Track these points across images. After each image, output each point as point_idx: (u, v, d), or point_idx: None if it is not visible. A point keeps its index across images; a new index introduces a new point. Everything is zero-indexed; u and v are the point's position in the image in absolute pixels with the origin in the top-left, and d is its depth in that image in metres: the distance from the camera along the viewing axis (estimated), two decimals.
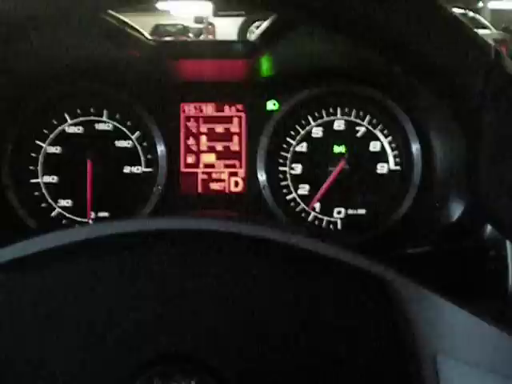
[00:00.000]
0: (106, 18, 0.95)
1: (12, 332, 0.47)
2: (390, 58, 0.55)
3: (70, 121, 1.18)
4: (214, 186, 1.22)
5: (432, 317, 0.48)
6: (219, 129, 1.22)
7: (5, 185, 1.15)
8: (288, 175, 1.21)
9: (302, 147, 1.21)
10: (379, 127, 1.20)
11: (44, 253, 0.50)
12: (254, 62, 1.11)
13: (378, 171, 1.20)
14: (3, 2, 0.48)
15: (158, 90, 1.19)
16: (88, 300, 0.48)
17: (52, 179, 1.19)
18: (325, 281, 0.49)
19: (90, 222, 1.19)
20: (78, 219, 1.19)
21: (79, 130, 1.19)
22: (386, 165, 1.20)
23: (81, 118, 1.19)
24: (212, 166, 1.22)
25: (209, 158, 1.22)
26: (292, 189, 1.21)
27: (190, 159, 1.21)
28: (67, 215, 1.19)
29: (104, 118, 1.19)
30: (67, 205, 1.19)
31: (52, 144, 1.18)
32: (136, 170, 1.20)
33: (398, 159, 1.20)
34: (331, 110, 1.21)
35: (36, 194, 1.18)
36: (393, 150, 1.20)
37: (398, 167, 1.20)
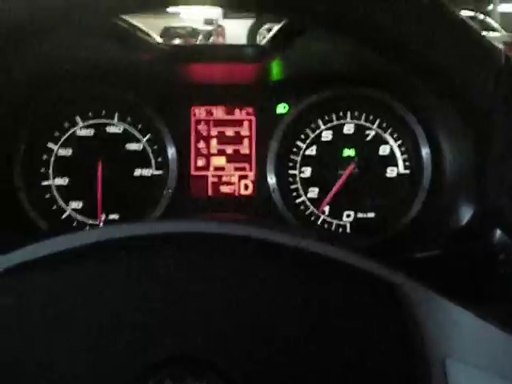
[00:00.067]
0: (117, 22, 0.95)
1: (21, 334, 0.47)
2: (396, 60, 0.55)
3: (81, 123, 1.19)
4: (224, 189, 1.22)
5: (441, 320, 0.48)
6: (229, 132, 1.22)
7: (16, 187, 1.16)
8: (298, 178, 1.22)
9: (312, 151, 1.21)
10: (389, 131, 1.20)
11: (53, 256, 0.50)
12: (264, 66, 1.12)
13: (388, 175, 1.20)
14: (17, 4, 0.49)
15: (168, 93, 1.19)
16: (97, 303, 0.48)
17: (63, 181, 1.19)
18: (334, 284, 0.49)
19: (101, 224, 1.20)
20: (89, 221, 1.20)
21: (90, 132, 1.19)
22: (395, 168, 1.20)
23: (92, 121, 1.19)
24: (222, 169, 1.23)
25: (219, 161, 1.22)
26: (302, 192, 1.22)
27: (200, 162, 1.22)
28: (78, 217, 1.20)
29: (115, 121, 1.20)
30: (78, 207, 1.20)
31: (63, 146, 1.19)
32: (146, 172, 1.20)
33: (407, 163, 1.20)
34: (341, 114, 1.21)
35: (47, 196, 1.19)
36: (402, 153, 1.20)
37: (407, 171, 1.20)
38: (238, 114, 1.22)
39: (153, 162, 1.20)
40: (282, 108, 1.20)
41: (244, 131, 1.22)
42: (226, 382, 0.45)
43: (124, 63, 1.11)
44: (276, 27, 1.05)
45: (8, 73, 0.98)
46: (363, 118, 1.21)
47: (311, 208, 1.21)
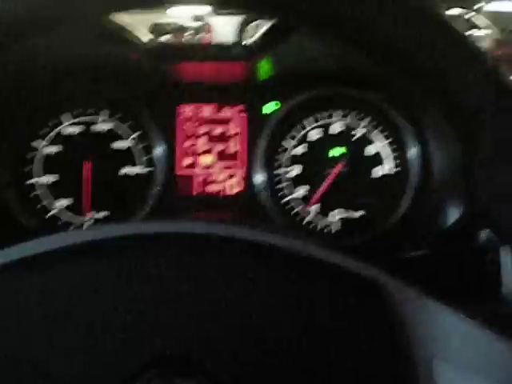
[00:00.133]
0: (104, 20, 0.95)
1: (12, 332, 0.47)
2: (382, 61, 0.55)
3: (68, 121, 1.18)
4: (212, 187, 1.22)
5: (427, 320, 0.48)
6: (217, 130, 1.22)
7: (2, 185, 1.15)
8: (286, 177, 1.21)
9: (300, 149, 1.21)
10: (377, 130, 1.20)
11: (46, 254, 0.50)
12: (252, 65, 1.11)
13: (376, 174, 1.20)
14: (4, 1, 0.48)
15: (156, 91, 1.19)
16: (84, 302, 0.48)
17: (50, 179, 1.18)
18: (318, 284, 0.49)
19: (88, 222, 1.19)
20: (76, 220, 1.19)
21: (77, 130, 1.19)
22: (383, 167, 1.20)
23: (79, 119, 1.19)
24: (210, 167, 1.22)
25: (207, 159, 1.22)
26: (289, 191, 1.21)
27: (188, 160, 1.21)
28: (65, 215, 1.19)
29: (102, 119, 1.19)
30: (66, 205, 1.19)
31: (50, 144, 1.18)
32: (134, 170, 1.20)
33: (395, 162, 1.20)
34: (329, 113, 1.21)
35: (34, 193, 1.18)
36: (390, 152, 1.20)
37: (395, 170, 1.20)
38: (226, 113, 1.21)
39: (141, 159, 1.20)
40: (270, 106, 1.20)
41: (232, 130, 1.21)
42: (214, 383, 0.45)
43: (111, 61, 1.10)
44: (264, 26, 1.05)
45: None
46: (351, 117, 1.21)
47: (299, 207, 1.21)
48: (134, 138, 1.19)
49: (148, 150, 1.19)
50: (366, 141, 1.21)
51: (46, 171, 1.18)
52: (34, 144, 1.17)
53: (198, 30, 1.45)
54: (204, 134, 1.22)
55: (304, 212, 1.21)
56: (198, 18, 1.58)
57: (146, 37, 1.10)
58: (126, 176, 1.20)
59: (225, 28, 1.51)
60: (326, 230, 1.22)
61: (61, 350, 0.46)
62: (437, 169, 1.13)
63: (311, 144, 1.21)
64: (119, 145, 1.19)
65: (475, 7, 1.85)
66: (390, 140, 1.20)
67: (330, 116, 1.21)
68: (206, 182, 1.22)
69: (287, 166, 1.21)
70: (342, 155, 1.20)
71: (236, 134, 1.22)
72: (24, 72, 1.10)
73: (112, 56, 1.07)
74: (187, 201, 1.21)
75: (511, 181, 0.49)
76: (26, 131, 1.17)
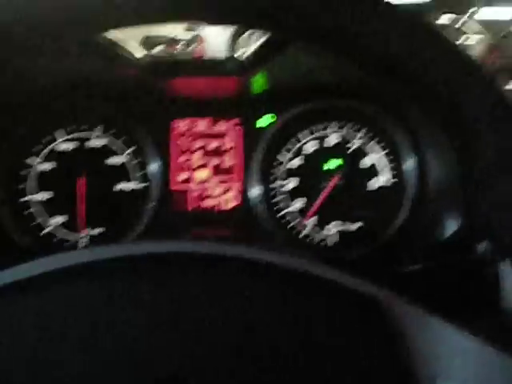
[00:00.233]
0: (94, 38, 0.94)
1: (6, 354, 0.46)
2: (373, 73, 0.55)
3: (62, 137, 1.17)
4: (208, 202, 1.21)
5: (429, 338, 0.48)
6: (212, 145, 1.21)
7: None
8: (282, 190, 1.21)
9: (296, 162, 1.21)
10: (373, 141, 1.20)
11: (40, 277, 0.49)
12: (246, 79, 1.11)
13: (372, 186, 1.20)
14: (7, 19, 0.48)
15: (150, 107, 1.18)
16: (78, 324, 0.47)
17: (44, 196, 1.17)
18: (317, 301, 0.49)
19: (83, 239, 1.18)
20: (71, 237, 1.18)
21: (71, 146, 1.18)
22: (379, 179, 1.20)
23: (73, 135, 1.18)
24: (205, 182, 1.22)
25: (202, 174, 1.21)
26: (286, 204, 1.21)
27: (184, 176, 1.21)
28: (59, 232, 1.18)
29: (96, 135, 1.18)
30: (60, 222, 1.18)
31: (44, 161, 1.17)
32: (129, 186, 1.19)
33: (392, 173, 1.20)
34: (324, 125, 1.21)
35: (28, 211, 1.17)
36: (387, 164, 1.19)
37: (392, 181, 1.20)
38: (221, 127, 1.21)
39: (135, 175, 1.19)
40: (265, 120, 1.19)
41: (227, 144, 1.21)
42: None
43: (105, 77, 1.09)
44: (257, 37, 1.04)
45: None
46: (347, 128, 1.20)
47: (296, 220, 1.21)
48: (128, 154, 1.18)
49: (142, 165, 1.19)
50: (362, 153, 1.20)
51: (41, 188, 1.17)
52: (28, 161, 1.16)
53: (189, 42, 1.45)
54: (199, 149, 1.21)
55: (301, 225, 1.21)
56: (189, 29, 1.57)
57: (137, 50, 1.10)
58: (120, 192, 1.19)
59: (217, 39, 1.51)
60: (323, 243, 1.21)
61: (55, 372, 0.46)
62: (434, 179, 1.12)
63: (307, 157, 1.21)
64: (114, 160, 1.18)
65: (468, 13, 1.86)
66: (386, 151, 1.19)
67: (326, 128, 1.21)
68: (201, 197, 1.21)
69: (283, 179, 1.21)
70: (338, 167, 1.19)
71: (231, 148, 1.21)
72: (17, 89, 1.09)
73: (105, 72, 1.07)
74: (183, 216, 1.20)
75: (510, 190, 0.48)
76: (19, 148, 1.16)
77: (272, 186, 1.21)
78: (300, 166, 1.21)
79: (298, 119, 1.20)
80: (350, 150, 1.20)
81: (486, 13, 1.84)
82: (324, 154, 1.20)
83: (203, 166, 1.22)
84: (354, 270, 0.51)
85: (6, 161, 1.15)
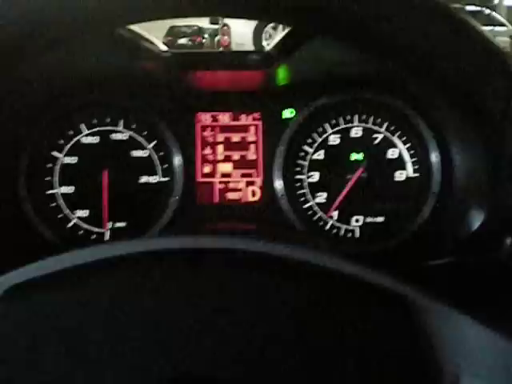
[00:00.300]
0: (119, 31, 0.94)
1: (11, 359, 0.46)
2: (400, 66, 0.54)
3: (86, 131, 1.18)
4: (231, 195, 1.21)
5: (454, 335, 0.47)
6: (235, 138, 1.21)
7: (21, 196, 1.15)
8: (305, 183, 1.20)
9: (320, 155, 1.20)
10: (397, 134, 1.19)
11: (59, 273, 0.49)
12: (269, 72, 1.11)
13: (397, 178, 1.19)
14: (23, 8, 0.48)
15: (173, 100, 1.18)
16: (95, 322, 0.47)
17: (68, 190, 1.18)
18: (343, 297, 0.48)
19: (107, 232, 1.19)
20: (95, 229, 1.19)
21: (95, 140, 1.19)
22: (404, 172, 1.19)
23: (97, 128, 1.19)
24: (229, 175, 1.22)
25: (225, 167, 1.21)
26: (309, 197, 1.20)
27: (207, 169, 1.21)
28: (84, 226, 1.19)
29: (120, 128, 1.19)
30: (84, 215, 1.19)
31: (68, 154, 1.18)
32: (152, 179, 1.19)
33: (416, 166, 1.19)
34: (348, 118, 1.20)
35: (52, 205, 1.18)
36: (411, 157, 1.18)
37: (416, 174, 1.19)
38: (244, 120, 1.21)
39: (159, 168, 1.19)
40: (288, 113, 1.19)
41: (250, 137, 1.21)
42: None
43: (128, 71, 1.10)
44: (280, 33, 1.04)
45: (12, 82, 0.97)
46: (371, 121, 1.19)
47: (319, 213, 1.20)
48: (152, 147, 1.19)
49: (166, 158, 1.19)
50: (385, 145, 1.19)
51: (65, 181, 1.18)
52: (53, 154, 1.17)
53: (215, 33, 1.44)
54: (222, 142, 1.21)
55: (325, 218, 1.20)
56: (214, 21, 1.57)
57: (163, 39, 1.10)
58: (144, 185, 1.19)
59: (242, 30, 1.50)
60: (347, 236, 1.20)
61: (65, 374, 0.46)
62: (458, 173, 1.11)
63: (331, 149, 1.20)
64: (138, 154, 1.19)
65: (493, 3, 1.84)
66: (410, 144, 1.18)
67: (350, 121, 1.20)
68: (225, 190, 1.21)
69: (307, 172, 1.20)
70: (362, 160, 1.18)
71: (254, 141, 1.21)
72: (42, 84, 1.10)
73: (128, 66, 1.07)
74: (207, 209, 1.20)
75: None
76: (44, 141, 1.17)
77: (296, 178, 1.20)
78: (324, 159, 1.20)
79: (321, 112, 1.19)
80: (374, 143, 1.19)
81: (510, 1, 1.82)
82: (348, 146, 1.20)
83: (226, 159, 1.22)
84: (379, 264, 0.50)
85: (32, 154, 1.16)
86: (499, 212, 0.84)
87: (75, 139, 1.18)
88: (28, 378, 0.45)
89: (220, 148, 1.21)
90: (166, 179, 1.19)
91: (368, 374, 0.46)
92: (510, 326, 0.48)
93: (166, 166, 1.19)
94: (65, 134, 1.18)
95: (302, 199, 1.21)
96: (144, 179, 1.19)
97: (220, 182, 1.21)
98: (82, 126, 1.18)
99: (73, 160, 1.18)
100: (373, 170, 1.19)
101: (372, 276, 0.49)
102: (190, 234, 0.52)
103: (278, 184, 1.19)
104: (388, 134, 1.19)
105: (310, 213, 1.21)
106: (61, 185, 1.18)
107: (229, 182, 1.22)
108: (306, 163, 1.20)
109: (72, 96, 1.17)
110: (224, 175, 1.22)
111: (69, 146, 1.18)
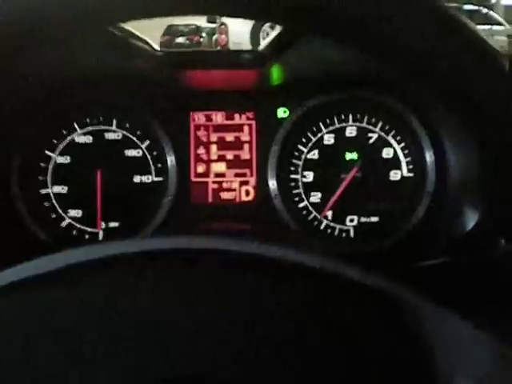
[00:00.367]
0: (111, 30, 0.94)
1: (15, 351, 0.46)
2: (395, 66, 0.54)
3: (79, 130, 1.18)
4: (225, 195, 1.21)
5: (447, 334, 0.47)
6: (229, 137, 1.21)
7: (14, 195, 1.15)
8: (300, 183, 1.20)
9: (314, 155, 1.20)
10: (392, 133, 1.18)
11: (45, 275, 0.49)
12: (263, 71, 1.10)
13: (391, 178, 1.19)
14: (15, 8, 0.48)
15: (166, 99, 1.18)
16: (78, 325, 0.47)
17: (62, 189, 1.18)
18: (336, 299, 0.48)
19: (101, 232, 1.18)
20: (88, 229, 1.18)
21: (88, 139, 1.18)
22: (399, 171, 1.18)
23: (90, 128, 1.18)
24: (222, 175, 1.21)
25: (219, 167, 1.21)
26: (304, 197, 1.20)
27: (200, 168, 1.20)
28: (77, 226, 1.18)
29: (113, 127, 1.18)
30: (77, 215, 1.18)
31: (61, 154, 1.18)
32: (146, 179, 1.19)
33: (411, 166, 1.18)
34: (343, 117, 1.19)
35: (45, 204, 1.18)
36: (406, 156, 1.18)
37: (411, 174, 1.18)
38: (238, 119, 1.20)
39: (152, 168, 1.19)
40: (282, 112, 1.19)
41: (244, 136, 1.20)
42: None
43: (121, 70, 1.09)
44: (274, 32, 1.03)
45: (5, 80, 0.97)
46: (365, 120, 1.19)
47: (314, 213, 1.20)
48: (145, 147, 1.18)
49: (160, 158, 1.18)
50: (380, 144, 1.19)
51: (58, 181, 1.18)
52: (47, 153, 1.17)
53: (212, 32, 1.44)
54: (216, 142, 1.21)
55: (320, 218, 1.20)
56: (211, 20, 1.57)
57: (160, 38, 1.10)
58: (138, 185, 1.19)
59: (240, 28, 1.50)
60: (342, 236, 1.20)
61: (59, 375, 0.45)
62: (452, 172, 1.11)
63: (325, 149, 1.19)
64: (131, 153, 1.18)
65: (490, 3, 1.84)
66: (404, 143, 1.18)
67: (344, 120, 1.19)
68: (219, 190, 1.21)
69: (301, 172, 1.20)
70: (357, 160, 1.18)
71: (248, 141, 1.20)
72: (34, 83, 1.09)
73: (122, 66, 1.06)
74: (201, 209, 1.20)
75: None
76: (37, 141, 1.16)
77: (290, 178, 1.20)
78: (318, 159, 1.20)
79: (315, 111, 1.19)
80: (369, 143, 1.19)
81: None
82: (342, 146, 1.19)
83: (220, 158, 1.21)
84: (374, 264, 0.50)
85: (24, 153, 1.15)
86: (493, 212, 0.84)
87: (68, 138, 1.18)
88: (21, 377, 0.45)
89: (214, 147, 1.21)
90: (160, 179, 1.19)
91: (361, 374, 0.45)
92: (505, 326, 0.48)
93: (159, 165, 1.19)
94: (58, 133, 1.18)
95: (297, 199, 1.20)
96: (137, 179, 1.19)
97: (214, 182, 1.21)
98: (75, 126, 1.18)
99: (66, 159, 1.18)
100: (367, 170, 1.18)
101: (366, 277, 0.49)
102: (183, 235, 0.52)
103: (272, 184, 1.19)
104: (382, 134, 1.19)
105: (304, 213, 1.20)
106: (54, 184, 1.18)
107: (222, 181, 1.21)
108: (301, 163, 1.20)
109: (65, 95, 1.16)
110: (218, 175, 1.21)
111: (62, 145, 1.17)
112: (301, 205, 1.20)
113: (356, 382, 0.45)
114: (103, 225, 1.18)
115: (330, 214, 1.20)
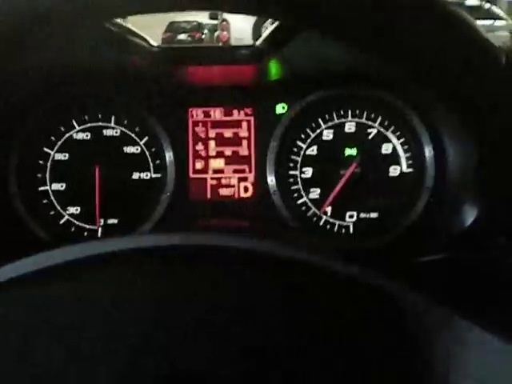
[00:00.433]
0: (108, 26, 0.94)
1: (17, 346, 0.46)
2: (391, 62, 0.53)
3: (77, 127, 1.17)
4: (223, 191, 1.21)
5: (445, 333, 0.47)
6: (228, 133, 1.20)
7: (11, 193, 1.14)
8: (299, 179, 1.20)
9: (313, 150, 1.19)
10: (391, 129, 1.18)
11: (46, 270, 0.49)
12: (261, 67, 1.10)
13: (391, 174, 1.18)
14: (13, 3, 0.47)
15: (164, 95, 1.18)
16: (77, 321, 0.47)
17: (60, 186, 1.18)
18: (335, 296, 0.48)
19: (100, 229, 1.18)
20: (87, 226, 1.18)
21: (87, 136, 1.18)
22: (398, 167, 1.18)
23: (88, 124, 1.18)
24: (221, 171, 1.21)
25: (218, 163, 1.20)
26: (303, 193, 1.20)
27: (199, 165, 1.20)
28: (76, 223, 1.18)
29: (111, 124, 1.18)
30: (76, 212, 1.18)
31: (60, 151, 1.17)
32: (145, 175, 1.19)
33: (410, 161, 1.18)
34: (342, 112, 1.19)
35: (44, 201, 1.18)
36: (405, 152, 1.18)
37: (410, 169, 1.18)
38: (237, 115, 1.20)
39: (151, 165, 1.19)
40: (281, 108, 1.18)
41: (243, 132, 1.20)
42: None
43: (119, 66, 1.09)
44: (270, 27, 1.03)
45: (2, 76, 0.96)
46: (364, 116, 1.18)
47: (313, 209, 1.19)
48: (144, 143, 1.18)
49: (158, 154, 1.18)
50: (380, 140, 1.18)
51: (57, 178, 1.17)
52: (45, 150, 1.16)
53: (214, 28, 1.43)
54: (214, 138, 1.20)
55: (319, 214, 1.19)
56: (213, 16, 1.56)
57: (162, 35, 1.09)
58: (136, 181, 1.19)
59: (242, 24, 1.49)
60: (341, 232, 1.19)
61: (55, 372, 0.45)
62: (452, 168, 1.10)
63: (324, 144, 1.19)
64: (129, 150, 1.18)
65: None
66: (403, 139, 1.17)
67: (343, 116, 1.19)
68: (217, 186, 1.20)
69: (300, 168, 1.19)
70: (356, 155, 1.18)
71: (247, 137, 1.20)
72: (32, 80, 1.09)
73: (119, 62, 1.06)
74: (199, 206, 1.20)
75: None
76: (34, 138, 1.16)
77: (288, 174, 1.20)
78: (317, 155, 1.19)
79: (314, 107, 1.18)
80: (368, 138, 1.18)
81: None
82: (341, 141, 1.19)
83: (219, 154, 1.21)
84: (373, 260, 0.50)
85: (22, 150, 1.15)
86: (491, 209, 0.84)
87: (67, 135, 1.17)
88: (20, 373, 0.45)
89: (212, 144, 1.20)
90: (158, 175, 1.19)
91: (358, 373, 0.45)
92: (503, 326, 0.47)
93: (158, 162, 1.19)
94: (56, 130, 1.17)
95: (296, 195, 1.20)
96: (136, 175, 1.19)
97: (212, 178, 1.20)
98: (74, 122, 1.17)
99: (64, 156, 1.18)
100: (366, 166, 1.18)
101: (364, 275, 0.48)
102: (181, 231, 0.52)
103: (271, 180, 1.19)
104: (382, 129, 1.18)
105: (303, 209, 1.20)
106: (52, 181, 1.17)
107: (221, 178, 1.21)
108: (299, 159, 1.19)
109: (62, 91, 1.16)
110: (216, 171, 1.21)
111: (60, 142, 1.17)
112: (300, 201, 1.20)
113: (355, 379, 0.45)
114: (102, 221, 1.18)
115: (329, 210, 1.19)
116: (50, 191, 1.17)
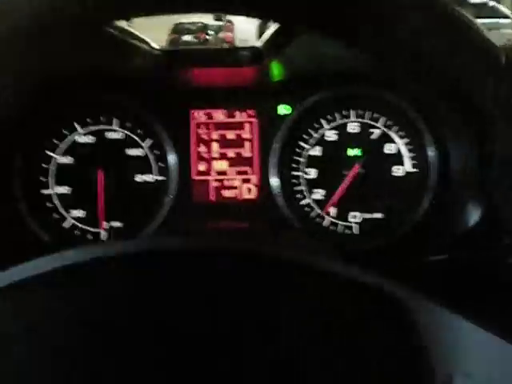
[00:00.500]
0: (108, 29, 0.94)
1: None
2: (393, 65, 0.53)
3: (80, 130, 1.18)
4: (227, 193, 1.20)
5: (446, 332, 0.47)
6: (230, 135, 1.20)
7: (16, 197, 1.15)
8: (302, 180, 1.19)
9: (316, 151, 1.19)
10: (394, 129, 1.17)
11: (51, 273, 0.49)
12: (263, 68, 1.10)
13: (394, 174, 1.18)
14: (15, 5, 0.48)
15: (167, 98, 1.18)
16: (84, 324, 0.47)
17: (64, 190, 1.18)
18: (336, 297, 0.48)
19: (103, 232, 1.18)
20: (91, 229, 1.18)
21: (90, 139, 1.18)
22: (401, 167, 1.18)
23: (91, 128, 1.18)
24: (224, 173, 1.21)
25: (221, 165, 1.20)
26: (306, 194, 1.19)
27: (202, 167, 1.20)
28: (80, 226, 1.18)
29: (114, 127, 1.18)
30: (80, 215, 1.18)
31: (63, 154, 1.17)
32: (148, 178, 1.19)
33: (414, 161, 1.17)
34: (345, 113, 1.19)
35: (48, 205, 1.18)
36: (409, 152, 1.17)
37: (414, 170, 1.17)
38: (239, 117, 1.20)
39: (154, 167, 1.19)
40: (283, 109, 1.18)
41: (245, 134, 1.20)
42: None
43: (121, 69, 1.09)
44: (271, 28, 1.03)
45: (4, 81, 0.96)
46: (368, 116, 1.18)
47: (316, 210, 1.19)
48: (147, 145, 1.18)
49: (161, 157, 1.18)
50: (383, 140, 1.18)
51: (60, 181, 1.18)
52: (49, 154, 1.17)
53: (219, 29, 1.43)
54: (217, 140, 1.20)
55: (322, 215, 1.19)
56: (218, 17, 1.56)
57: (167, 37, 1.10)
58: (140, 184, 1.19)
59: (246, 25, 1.49)
60: (345, 233, 1.19)
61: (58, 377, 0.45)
62: (455, 169, 1.10)
63: (328, 145, 1.19)
64: (133, 153, 1.18)
65: None
66: (406, 140, 1.17)
67: (346, 116, 1.19)
68: (221, 188, 1.20)
69: (304, 169, 1.19)
70: (360, 156, 1.17)
71: (250, 138, 1.20)
72: (35, 82, 1.09)
73: (121, 65, 1.06)
74: (203, 207, 1.20)
75: None
76: (38, 142, 1.16)
77: (292, 175, 1.19)
78: (320, 155, 1.19)
79: (317, 107, 1.18)
80: (372, 138, 1.18)
81: None
82: (345, 142, 1.19)
83: (222, 156, 1.21)
84: (377, 260, 0.50)
85: (26, 154, 1.15)
86: (495, 208, 0.83)
87: (70, 139, 1.18)
88: (20, 374, 0.45)
89: (215, 145, 1.20)
90: (162, 178, 1.19)
91: (358, 373, 0.45)
92: (503, 326, 0.47)
93: (161, 164, 1.19)
94: (59, 133, 1.18)
95: (299, 196, 1.20)
96: (139, 178, 1.19)
97: (215, 180, 1.20)
98: (77, 126, 1.18)
99: (68, 160, 1.18)
100: (370, 166, 1.17)
101: (365, 276, 0.48)
102: (183, 234, 0.52)
103: (274, 181, 1.19)
104: (385, 129, 1.18)
105: (307, 209, 1.20)
106: (56, 185, 1.18)
107: (224, 179, 1.21)
108: (303, 160, 1.19)
109: (66, 95, 1.16)
110: (219, 173, 1.21)
111: (64, 145, 1.17)
112: (303, 202, 1.20)
113: (355, 380, 0.45)
114: (106, 224, 1.18)
115: (332, 210, 1.19)
116: (53, 194, 1.18)
